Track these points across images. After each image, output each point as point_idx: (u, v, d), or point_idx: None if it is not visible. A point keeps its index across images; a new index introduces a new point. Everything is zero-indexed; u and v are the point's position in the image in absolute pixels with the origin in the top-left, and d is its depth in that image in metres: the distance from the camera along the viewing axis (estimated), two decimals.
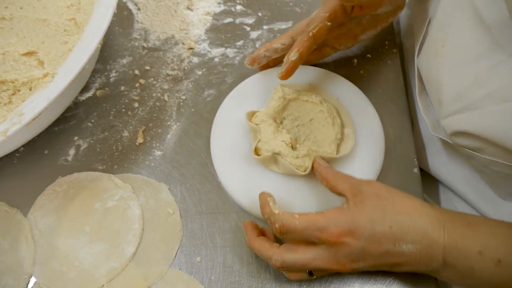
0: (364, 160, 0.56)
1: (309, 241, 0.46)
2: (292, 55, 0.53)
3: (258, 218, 0.54)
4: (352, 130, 0.56)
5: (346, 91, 0.60)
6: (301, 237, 0.46)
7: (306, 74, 0.61)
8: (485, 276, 0.43)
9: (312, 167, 0.52)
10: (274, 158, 0.54)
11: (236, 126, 0.58)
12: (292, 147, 0.53)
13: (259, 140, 0.54)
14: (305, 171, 0.52)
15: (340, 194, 0.48)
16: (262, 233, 0.51)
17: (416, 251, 0.44)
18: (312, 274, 0.48)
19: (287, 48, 0.56)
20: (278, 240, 0.52)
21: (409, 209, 0.45)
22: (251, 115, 0.56)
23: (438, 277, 0.48)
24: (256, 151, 0.54)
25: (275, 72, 0.60)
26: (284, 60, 0.54)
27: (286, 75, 0.54)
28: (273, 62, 0.61)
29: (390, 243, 0.44)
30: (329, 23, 0.53)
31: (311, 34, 0.53)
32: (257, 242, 0.49)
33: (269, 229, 0.52)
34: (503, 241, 0.43)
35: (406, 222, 0.44)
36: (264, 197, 0.50)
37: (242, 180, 0.55)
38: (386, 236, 0.44)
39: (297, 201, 0.53)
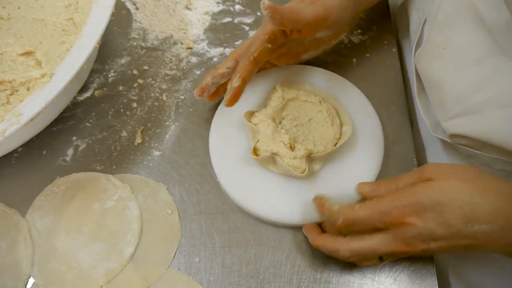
0: (364, 159, 0.56)
1: (374, 229, 0.45)
2: (235, 82, 0.52)
3: (257, 218, 0.54)
4: (350, 126, 0.56)
5: (345, 91, 0.60)
6: (366, 226, 0.45)
7: (305, 74, 0.61)
8: None
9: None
10: (272, 158, 0.53)
11: (234, 126, 0.58)
12: (290, 147, 0.53)
13: (258, 140, 0.53)
14: (302, 173, 0.52)
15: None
16: (323, 230, 0.51)
17: (491, 231, 0.41)
18: (382, 259, 0.47)
19: (233, 70, 0.55)
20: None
21: (481, 188, 0.43)
22: (249, 115, 0.56)
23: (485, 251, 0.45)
24: (255, 151, 0.54)
25: (273, 72, 0.60)
26: (228, 87, 0.53)
27: (231, 102, 0.53)
28: (223, 88, 0.59)
29: (461, 223, 0.42)
30: (269, 45, 0.53)
31: (251, 58, 0.53)
32: (321, 239, 0.49)
33: (329, 225, 0.51)
34: None
35: (478, 202, 0.42)
36: (318, 199, 0.49)
37: (241, 180, 0.55)
38: (455, 217, 0.42)
39: (295, 202, 0.53)
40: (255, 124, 0.55)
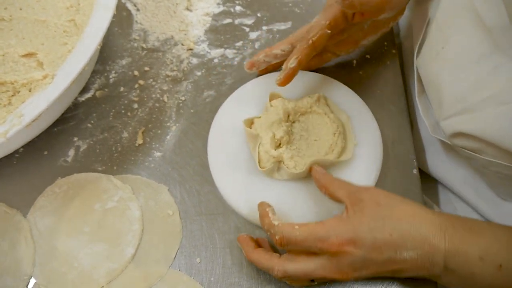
0: (362, 164, 0.56)
1: (310, 252, 0.46)
2: (291, 62, 0.53)
3: (259, 226, 0.54)
4: (353, 146, 0.55)
5: (342, 96, 0.60)
6: (301, 248, 0.46)
7: (300, 80, 0.61)
8: (486, 282, 0.43)
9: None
10: (276, 166, 0.54)
11: (234, 132, 0.58)
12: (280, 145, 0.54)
13: (260, 146, 0.54)
14: (301, 170, 0.53)
15: (339, 201, 0.48)
16: (258, 244, 0.51)
17: (417, 257, 0.43)
18: (314, 281, 0.49)
19: (287, 54, 0.56)
20: (276, 249, 0.52)
21: (409, 215, 0.45)
22: (249, 122, 0.56)
23: (439, 282, 0.47)
24: (260, 163, 0.54)
25: (275, 76, 0.60)
26: (283, 66, 0.54)
27: (284, 82, 0.54)
28: (272, 67, 0.61)
29: (391, 251, 0.44)
30: (329, 31, 0.53)
31: (310, 41, 0.53)
32: (256, 254, 0.49)
33: (265, 239, 0.52)
34: (505, 246, 0.43)
35: (406, 229, 0.44)
36: (263, 208, 0.49)
37: (242, 189, 0.55)
38: (386, 244, 0.44)
39: (297, 208, 0.53)
40: (255, 132, 0.55)
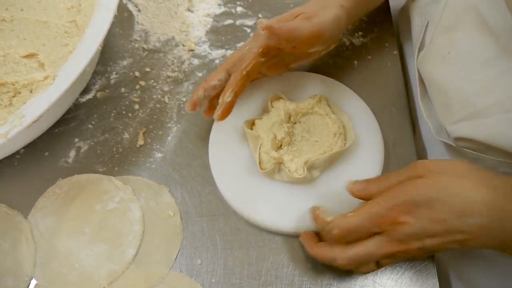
0: (363, 166, 0.56)
1: (370, 234, 0.45)
2: (227, 96, 0.53)
3: (259, 228, 0.54)
4: (352, 139, 0.55)
5: (344, 97, 0.60)
6: (361, 232, 0.45)
7: (303, 81, 0.61)
8: None
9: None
10: (276, 167, 0.54)
11: (235, 133, 0.58)
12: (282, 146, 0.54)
13: (260, 148, 0.54)
14: (300, 175, 0.52)
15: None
16: (320, 239, 0.51)
17: (484, 224, 0.41)
18: (379, 264, 0.47)
19: (224, 83, 0.55)
20: None
21: (474, 183, 0.43)
22: (249, 123, 0.56)
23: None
24: (260, 164, 0.54)
25: (276, 77, 0.60)
26: (219, 101, 0.53)
27: (223, 116, 0.53)
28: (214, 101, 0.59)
29: (454, 219, 0.42)
30: (262, 59, 0.54)
31: (244, 72, 0.53)
32: (317, 248, 0.48)
33: (325, 235, 0.50)
34: None
35: (470, 196, 0.42)
36: (313, 211, 0.49)
37: (243, 190, 0.55)
38: (448, 212, 0.42)
39: (299, 210, 0.53)
40: (256, 133, 0.55)
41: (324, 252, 0.48)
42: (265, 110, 0.59)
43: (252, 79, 0.57)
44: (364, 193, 0.48)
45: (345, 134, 0.56)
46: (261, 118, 0.56)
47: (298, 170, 0.53)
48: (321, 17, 0.53)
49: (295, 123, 0.57)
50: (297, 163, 0.53)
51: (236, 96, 0.54)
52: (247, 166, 0.56)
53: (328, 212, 0.48)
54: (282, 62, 0.59)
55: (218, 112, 0.53)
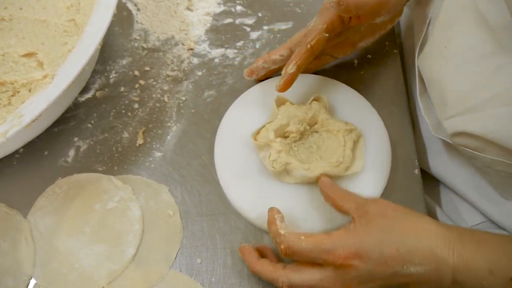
0: (371, 176, 0.55)
1: (315, 263, 0.46)
2: (290, 68, 0.53)
3: (266, 231, 0.53)
4: (362, 164, 0.55)
5: (348, 98, 0.60)
6: (307, 259, 0.45)
7: (305, 83, 0.60)
8: None
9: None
10: (286, 169, 0.53)
11: (240, 139, 0.57)
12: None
13: (270, 155, 0.53)
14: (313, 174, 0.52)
15: (346, 213, 0.48)
16: (261, 254, 0.51)
17: (424, 272, 0.43)
18: None
19: (286, 59, 0.56)
20: (280, 258, 0.51)
21: (417, 230, 0.44)
22: (256, 133, 0.55)
23: None
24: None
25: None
26: (282, 72, 0.54)
27: (284, 88, 0.54)
28: (271, 73, 0.61)
29: (398, 266, 0.43)
30: (326, 34, 0.53)
31: (309, 46, 0.53)
32: (259, 265, 0.48)
33: (268, 247, 0.52)
34: None
35: (414, 244, 0.43)
36: (272, 214, 0.49)
37: (251, 194, 0.54)
38: (393, 259, 0.43)
39: (308, 213, 0.53)
40: (262, 141, 0.54)
41: (267, 271, 0.47)
42: (272, 115, 0.57)
43: (321, 61, 0.58)
44: (326, 191, 0.50)
45: (355, 148, 0.55)
46: (267, 124, 0.55)
47: (308, 170, 0.52)
48: None
49: (304, 135, 0.56)
50: (306, 166, 0.53)
51: (299, 69, 0.53)
52: (256, 171, 0.55)
53: (284, 224, 0.48)
54: (348, 41, 0.60)
55: (280, 83, 0.54)
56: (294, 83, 0.54)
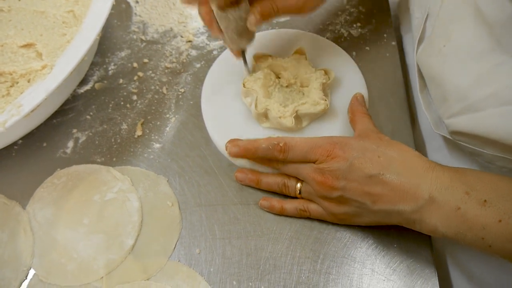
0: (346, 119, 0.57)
1: (307, 161, 0.50)
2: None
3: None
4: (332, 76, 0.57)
5: (330, 52, 0.62)
6: (301, 154, 0.50)
7: (284, 39, 0.62)
8: (471, 217, 0.43)
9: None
10: (265, 114, 0.55)
11: (225, 93, 0.60)
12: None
13: (256, 99, 0.55)
14: (291, 124, 0.54)
15: (353, 129, 0.54)
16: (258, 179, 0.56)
17: (399, 183, 0.45)
18: (301, 192, 0.53)
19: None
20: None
21: (403, 151, 0.48)
22: (243, 84, 0.57)
23: (423, 226, 0.46)
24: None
25: (260, 36, 0.62)
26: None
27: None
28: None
29: (376, 169, 0.46)
30: None
31: None
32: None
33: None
34: (489, 185, 0.44)
35: (395, 157, 0.47)
36: (246, 141, 0.53)
37: (232, 136, 0.55)
38: (372, 162, 0.47)
39: None
40: (249, 88, 0.56)
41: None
42: (252, 69, 0.59)
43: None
44: (356, 104, 0.56)
45: (331, 88, 0.58)
46: (249, 77, 0.57)
47: (286, 118, 0.55)
48: None
49: (281, 72, 0.59)
50: (285, 112, 0.55)
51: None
52: (238, 116, 0.58)
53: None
54: None
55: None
56: (275, 39, 0.57)
